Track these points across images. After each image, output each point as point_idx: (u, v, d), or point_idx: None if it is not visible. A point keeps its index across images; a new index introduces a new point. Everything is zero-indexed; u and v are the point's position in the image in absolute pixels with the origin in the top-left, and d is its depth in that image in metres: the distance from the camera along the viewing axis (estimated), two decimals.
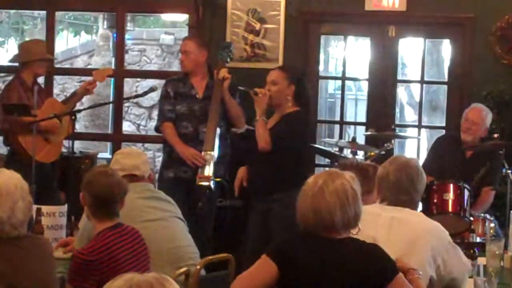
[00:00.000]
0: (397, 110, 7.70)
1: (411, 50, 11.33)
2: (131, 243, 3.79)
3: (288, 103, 5.62)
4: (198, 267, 4.22)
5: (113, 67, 8.46)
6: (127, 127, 11.73)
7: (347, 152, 6.48)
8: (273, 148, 5.54)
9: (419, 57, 7.68)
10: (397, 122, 7.55)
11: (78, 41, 14.99)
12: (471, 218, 5.36)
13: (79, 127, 10.13)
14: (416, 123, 7.86)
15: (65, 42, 14.86)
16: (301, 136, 5.69)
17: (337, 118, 8.39)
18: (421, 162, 5.61)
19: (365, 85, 8.53)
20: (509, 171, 5.81)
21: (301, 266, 3.16)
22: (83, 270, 3.58)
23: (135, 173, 4.46)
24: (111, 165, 4.42)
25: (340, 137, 7.70)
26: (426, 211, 5.29)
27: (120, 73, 7.74)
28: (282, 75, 5.68)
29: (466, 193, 5.47)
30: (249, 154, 5.78)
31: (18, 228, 3.24)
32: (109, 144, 10.04)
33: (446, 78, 7.77)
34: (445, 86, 7.47)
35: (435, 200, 5.45)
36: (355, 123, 9.74)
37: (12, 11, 12.96)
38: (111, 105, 9.61)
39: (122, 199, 3.82)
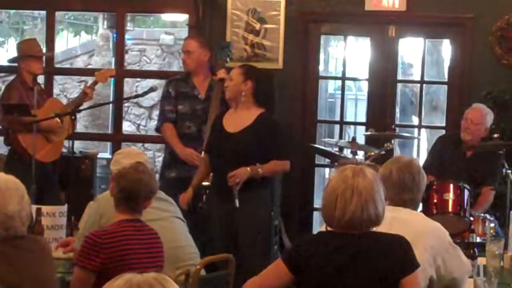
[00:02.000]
0: (397, 110, 7.69)
1: (411, 50, 11.32)
2: (145, 240, 3.81)
3: (242, 98, 5.46)
4: (198, 267, 4.22)
5: (113, 67, 8.46)
6: (127, 127, 11.71)
7: (347, 152, 6.48)
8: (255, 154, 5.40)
9: (419, 57, 7.68)
10: (397, 122, 7.54)
11: (78, 41, 14.98)
12: (471, 218, 5.37)
13: (79, 127, 10.11)
14: (416, 123, 7.86)
15: (65, 42, 14.85)
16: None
17: (337, 118, 8.37)
18: (421, 162, 5.62)
19: (365, 85, 8.52)
20: (509, 171, 5.81)
21: (316, 268, 3.16)
22: (91, 250, 3.64)
23: None
24: (111, 165, 4.42)
25: (340, 137, 7.69)
26: (426, 211, 5.29)
27: (120, 73, 7.73)
28: (238, 71, 5.53)
29: (466, 193, 5.48)
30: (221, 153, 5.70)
31: (25, 224, 3.25)
32: (109, 144, 10.03)
33: (446, 78, 7.77)
34: (445, 86, 7.47)
35: (435, 200, 5.46)
36: (355, 123, 9.73)
37: (12, 11, 12.94)
38: (111, 105, 9.60)
39: (148, 197, 3.86)
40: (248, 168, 5.28)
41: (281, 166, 5.50)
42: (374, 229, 3.25)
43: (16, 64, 6.67)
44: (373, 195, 3.19)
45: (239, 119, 5.46)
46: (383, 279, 3.13)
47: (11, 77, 7.02)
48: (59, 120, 6.33)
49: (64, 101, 7.11)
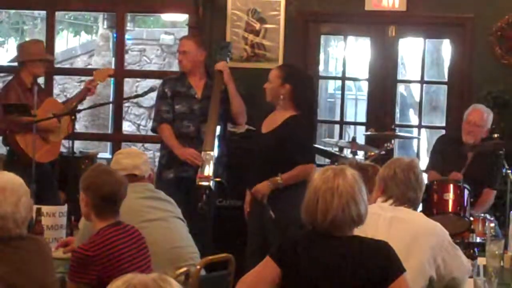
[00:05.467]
0: (397, 110, 7.70)
1: (411, 50, 11.33)
2: (131, 241, 3.79)
3: (280, 101, 5.53)
4: (198, 267, 4.22)
5: (113, 67, 8.46)
6: (127, 127, 11.73)
7: (347, 152, 6.48)
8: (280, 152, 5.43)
9: (419, 57, 7.68)
10: (397, 122, 7.55)
11: (78, 41, 15.00)
12: (471, 218, 5.37)
13: (79, 127, 10.12)
14: (416, 123, 7.86)
15: (65, 42, 14.88)
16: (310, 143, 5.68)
17: (337, 118, 8.39)
18: (421, 162, 5.61)
19: (365, 85, 8.53)
20: (509, 171, 5.81)
21: (303, 267, 3.15)
22: (83, 265, 3.59)
23: (136, 173, 4.47)
24: (111, 165, 4.42)
25: (340, 137, 7.70)
26: (426, 211, 5.29)
27: (120, 73, 7.74)
28: (276, 74, 5.59)
29: (466, 193, 5.48)
30: (248, 155, 5.76)
31: (20, 226, 3.24)
32: (109, 144, 10.04)
33: (446, 78, 7.77)
34: (445, 86, 7.47)
35: (435, 200, 5.46)
36: (355, 123, 9.74)
37: (12, 11, 12.97)
38: (111, 105, 9.61)
39: (125, 195, 3.84)
40: (269, 183, 5.38)
41: (304, 171, 5.42)
42: (361, 228, 3.25)
43: (16, 64, 6.67)
44: (354, 196, 3.18)
45: (273, 120, 5.53)
46: (367, 283, 3.12)
47: (11, 77, 7.00)
48: (57, 120, 6.32)
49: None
